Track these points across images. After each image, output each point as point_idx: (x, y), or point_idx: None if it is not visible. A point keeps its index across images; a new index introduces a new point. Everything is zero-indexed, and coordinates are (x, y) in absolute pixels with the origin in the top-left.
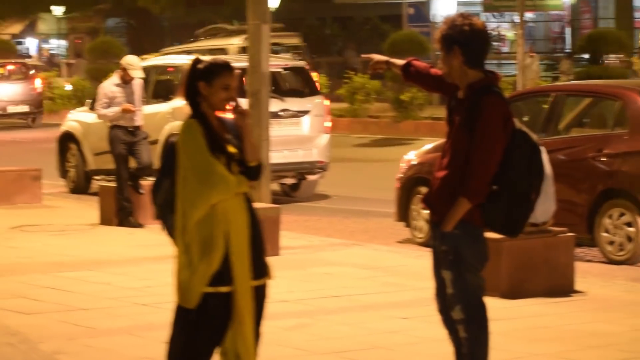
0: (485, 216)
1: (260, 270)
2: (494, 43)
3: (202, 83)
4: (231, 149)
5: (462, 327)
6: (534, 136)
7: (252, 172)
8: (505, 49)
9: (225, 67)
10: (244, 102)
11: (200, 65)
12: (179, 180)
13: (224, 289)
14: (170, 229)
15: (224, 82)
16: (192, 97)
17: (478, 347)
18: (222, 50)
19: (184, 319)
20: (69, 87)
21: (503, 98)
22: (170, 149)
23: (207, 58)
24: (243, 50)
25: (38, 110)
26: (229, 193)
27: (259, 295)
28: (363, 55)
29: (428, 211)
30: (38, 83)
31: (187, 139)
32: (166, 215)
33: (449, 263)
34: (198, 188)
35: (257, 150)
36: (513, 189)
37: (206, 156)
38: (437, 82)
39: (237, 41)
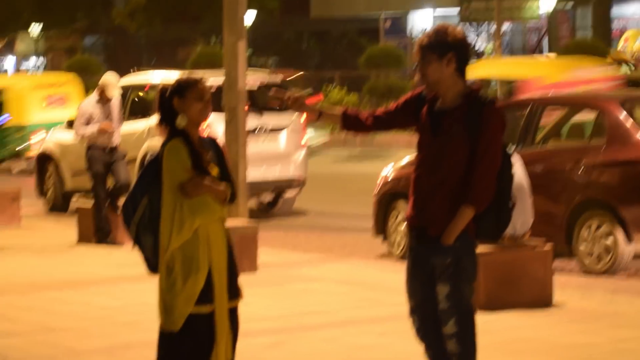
0: (479, 225)
1: (235, 292)
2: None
3: (176, 98)
4: (213, 171)
5: (455, 341)
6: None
7: (231, 196)
8: None
9: (196, 79)
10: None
11: (171, 84)
12: (164, 202)
13: (205, 309)
14: (145, 249)
15: (196, 92)
16: (169, 116)
17: None
18: None
19: (168, 341)
20: None
21: (498, 105)
22: (150, 166)
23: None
24: None
25: None
26: (213, 218)
27: (234, 316)
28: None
29: (418, 226)
30: None
31: (173, 160)
32: (142, 234)
33: (448, 276)
34: (183, 212)
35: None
36: (501, 200)
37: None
38: (389, 118)
39: None
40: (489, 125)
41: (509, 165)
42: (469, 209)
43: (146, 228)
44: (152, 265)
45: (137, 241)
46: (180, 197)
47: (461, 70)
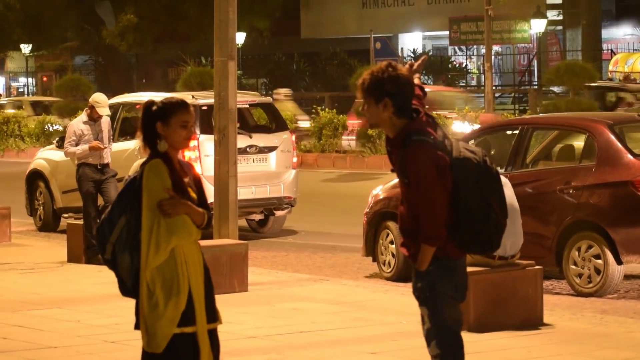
0: (459, 246)
1: (212, 315)
2: (461, 80)
3: (159, 123)
4: (192, 194)
5: None
6: (476, 155)
7: (207, 222)
8: (474, 83)
9: (181, 104)
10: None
11: (154, 106)
12: (143, 220)
13: (189, 329)
14: (122, 269)
15: (181, 119)
16: (151, 139)
17: None
18: None
19: None
20: None
21: (425, 143)
22: (128, 186)
23: (160, 98)
24: None
25: None
26: (190, 239)
27: (214, 339)
28: None
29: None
30: None
31: (154, 178)
32: (119, 254)
33: (423, 300)
34: (160, 231)
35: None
36: (472, 216)
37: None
38: None
39: None
40: (410, 168)
41: (469, 180)
42: (425, 244)
43: (124, 247)
44: (126, 288)
45: (113, 261)
46: (158, 216)
47: (400, 112)
